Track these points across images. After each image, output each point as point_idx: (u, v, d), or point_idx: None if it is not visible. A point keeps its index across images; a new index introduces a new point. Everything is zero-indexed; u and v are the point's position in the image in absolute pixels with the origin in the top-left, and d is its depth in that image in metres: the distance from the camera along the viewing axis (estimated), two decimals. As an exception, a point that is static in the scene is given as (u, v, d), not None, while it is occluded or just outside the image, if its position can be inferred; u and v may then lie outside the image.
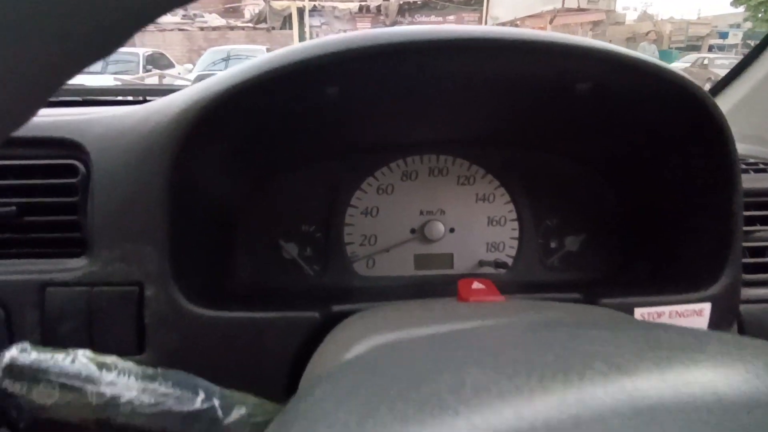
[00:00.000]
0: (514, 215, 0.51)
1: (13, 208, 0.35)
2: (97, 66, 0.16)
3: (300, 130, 0.44)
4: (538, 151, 0.51)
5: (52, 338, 0.34)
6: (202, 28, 9.48)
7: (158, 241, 0.33)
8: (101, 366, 0.23)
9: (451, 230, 0.51)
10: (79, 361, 0.23)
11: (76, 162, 0.36)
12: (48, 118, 0.37)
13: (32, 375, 0.22)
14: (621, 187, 0.51)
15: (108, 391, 0.23)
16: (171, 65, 6.70)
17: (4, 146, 0.37)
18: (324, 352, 0.29)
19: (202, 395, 0.24)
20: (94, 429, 0.23)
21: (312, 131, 0.45)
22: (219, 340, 0.34)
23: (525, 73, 0.38)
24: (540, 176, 0.51)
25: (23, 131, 0.14)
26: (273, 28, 10.08)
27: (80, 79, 0.79)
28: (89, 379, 0.23)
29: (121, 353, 0.25)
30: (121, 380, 0.23)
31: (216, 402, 0.24)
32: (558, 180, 0.51)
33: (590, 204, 0.52)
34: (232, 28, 9.44)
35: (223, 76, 0.34)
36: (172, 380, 0.24)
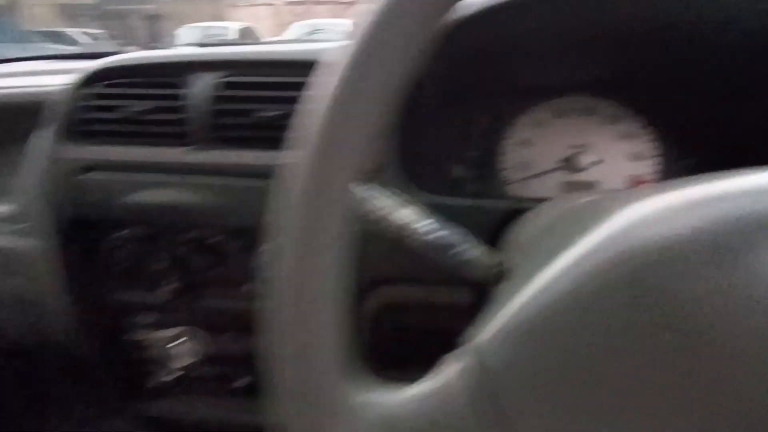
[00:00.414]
0: (657, 152, 0.57)
1: (279, 113, 0.47)
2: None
3: (474, 69, 0.53)
4: (686, 93, 0.56)
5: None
6: (288, 2, 9.79)
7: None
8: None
9: (597, 162, 0.58)
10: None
11: None
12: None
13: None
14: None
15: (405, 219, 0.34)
16: (259, 40, 7.02)
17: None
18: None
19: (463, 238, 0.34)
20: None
21: (484, 71, 0.54)
22: None
23: (686, 16, 0.43)
24: (685, 117, 0.56)
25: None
26: (356, 2, 10.20)
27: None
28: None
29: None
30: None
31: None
32: (702, 120, 0.56)
33: (730, 147, 0.56)
34: (317, 3, 9.68)
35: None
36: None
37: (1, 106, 0.65)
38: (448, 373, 0.23)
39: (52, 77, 0.67)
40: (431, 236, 0.34)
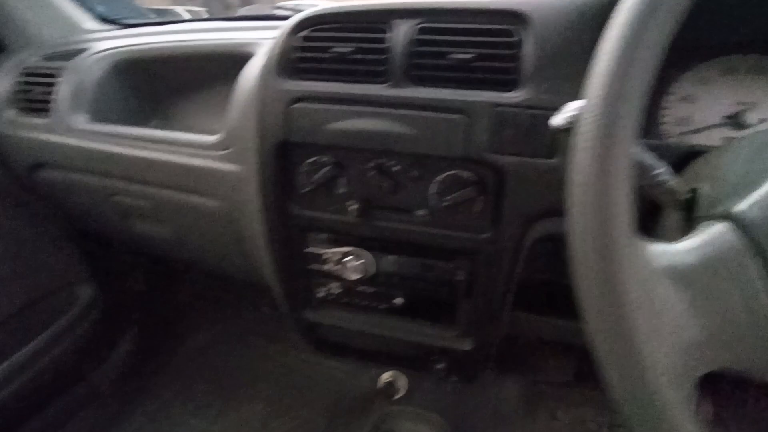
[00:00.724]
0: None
1: (472, 55, 0.53)
2: None
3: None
4: None
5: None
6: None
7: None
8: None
9: (766, 120, 0.58)
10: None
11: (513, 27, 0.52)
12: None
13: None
14: None
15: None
16: None
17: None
18: None
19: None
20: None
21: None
22: None
23: None
24: None
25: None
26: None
27: None
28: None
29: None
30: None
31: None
32: None
33: None
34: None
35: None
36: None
37: (217, 54, 0.77)
38: (712, 232, 0.28)
39: (251, 32, 0.79)
40: (638, 156, 0.38)
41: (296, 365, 1.27)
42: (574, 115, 0.35)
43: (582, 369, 1.10)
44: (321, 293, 0.70)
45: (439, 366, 0.70)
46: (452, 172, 0.57)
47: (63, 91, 0.81)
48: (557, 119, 0.36)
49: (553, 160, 0.51)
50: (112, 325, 1.16)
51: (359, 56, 0.57)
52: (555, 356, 1.10)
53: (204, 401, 1.20)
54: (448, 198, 0.57)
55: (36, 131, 0.83)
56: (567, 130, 0.35)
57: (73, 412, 1.12)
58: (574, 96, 0.35)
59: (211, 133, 0.72)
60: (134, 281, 1.22)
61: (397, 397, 0.90)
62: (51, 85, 0.83)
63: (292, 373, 1.26)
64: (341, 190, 0.62)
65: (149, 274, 1.25)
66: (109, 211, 0.85)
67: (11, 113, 0.85)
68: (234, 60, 0.71)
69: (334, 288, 0.69)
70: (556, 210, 0.53)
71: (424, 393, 0.95)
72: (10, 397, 0.92)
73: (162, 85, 0.89)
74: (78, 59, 0.84)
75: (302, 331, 0.75)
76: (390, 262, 0.64)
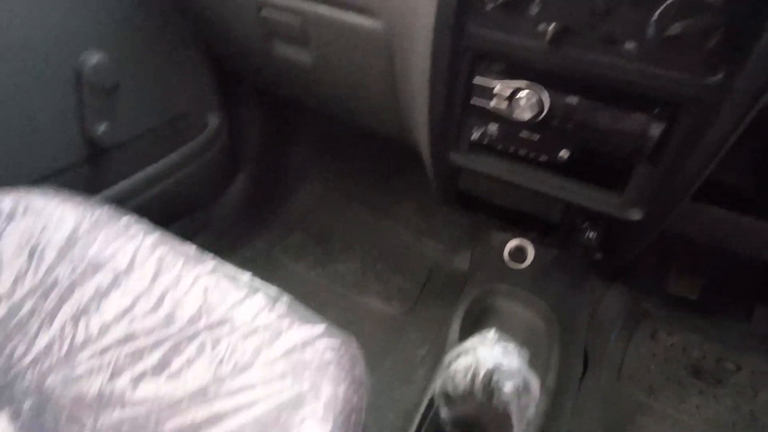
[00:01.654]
0: None
1: None
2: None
3: None
4: None
5: None
6: None
7: None
8: None
9: None
10: None
11: None
12: None
13: None
14: None
15: None
16: None
17: None
18: None
19: None
20: None
21: None
22: None
23: None
24: None
25: None
26: None
27: None
28: None
29: None
30: None
31: None
32: None
33: None
34: None
35: None
36: None
37: None
38: None
39: None
40: None
41: (394, 237, 1.28)
42: None
43: (708, 292, 1.01)
44: (476, 135, 0.64)
45: (589, 235, 0.63)
46: (691, -8, 0.46)
47: None
48: None
49: None
50: (232, 160, 1.20)
51: None
52: (682, 273, 1.01)
53: (303, 251, 1.25)
54: (676, 26, 0.46)
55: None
56: None
57: (190, 236, 1.21)
58: None
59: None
60: (255, 122, 1.24)
61: (524, 265, 0.87)
62: None
63: (388, 244, 1.27)
64: (534, 11, 0.53)
65: (270, 118, 1.26)
66: (254, 26, 0.81)
67: None
68: None
69: (493, 130, 0.62)
70: None
71: (534, 278, 0.92)
72: (136, 208, 0.99)
73: None
74: None
75: (441, 178, 0.71)
76: (569, 105, 0.56)
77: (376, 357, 1.00)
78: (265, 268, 1.19)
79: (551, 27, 0.51)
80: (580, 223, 0.64)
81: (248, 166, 1.28)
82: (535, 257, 0.86)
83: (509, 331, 0.94)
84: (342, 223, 1.33)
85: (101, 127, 0.86)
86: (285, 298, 0.55)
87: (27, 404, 0.51)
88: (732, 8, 0.45)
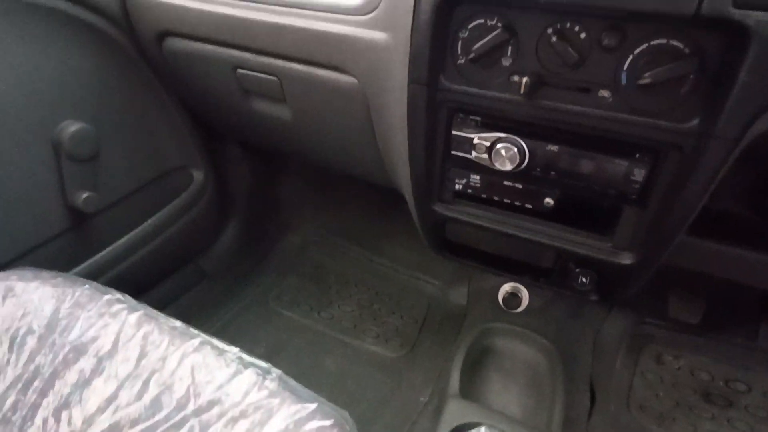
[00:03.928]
0: None
1: None
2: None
3: None
4: None
5: None
6: None
7: None
8: None
9: None
10: None
11: None
12: None
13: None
14: None
15: None
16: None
17: None
18: None
19: None
20: None
21: None
22: None
23: None
24: None
25: None
26: None
27: None
28: None
29: None
30: None
31: None
32: None
33: None
34: None
35: None
36: None
37: None
38: None
39: None
40: None
41: (389, 275, 1.27)
42: None
43: (710, 315, 0.99)
44: (458, 185, 0.63)
45: (583, 280, 0.62)
46: (660, 41, 0.45)
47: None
48: None
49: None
50: (220, 211, 1.19)
51: None
52: (683, 297, 0.99)
53: (298, 296, 1.23)
54: (648, 75, 0.46)
55: (164, -5, 0.79)
56: None
57: (182, 291, 1.19)
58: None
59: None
60: (240, 172, 1.23)
61: (519, 310, 0.85)
62: (179, -56, 0.77)
63: (384, 283, 1.25)
64: (506, 63, 0.53)
65: (255, 166, 1.26)
66: (231, 86, 0.81)
67: (140, -23, 0.82)
68: None
69: (475, 179, 0.62)
70: None
71: (531, 314, 0.90)
72: (128, 270, 0.97)
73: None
74: None
75: (427, 228, 0.70)
76: (550, 153, 0.56)
77: (376, 406, 0.97)
78: (261, 317, 1.17)
79: (525, 79, 0.51)
80: (572, 267, 0.63)
81: (237, 214, 1.27)
82: (529, 301, 0.85)
83: (510, 371, 0.93)
84: (336, 263, 1.32)
85: (83, 195, 0.85)
86: (275, 373, 0.53)
87: None
88: (702, 55, 0.44)
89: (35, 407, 0.54)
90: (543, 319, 0.92)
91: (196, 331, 0.59)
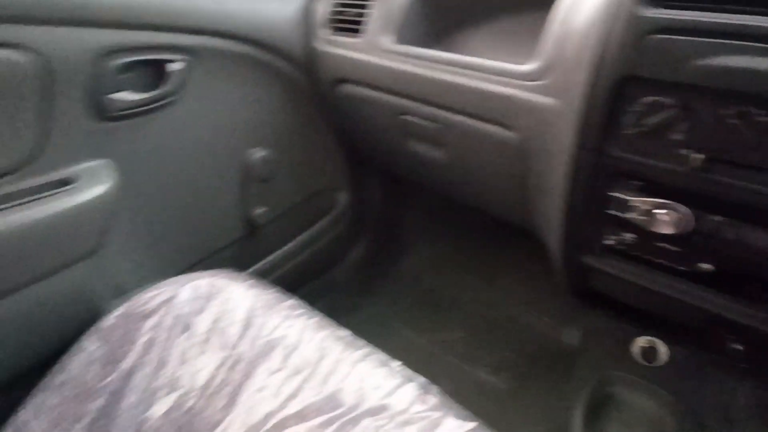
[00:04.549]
0: None
1: None
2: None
3: None
4: None
5: None
6: None
7: None
8: None
9: None
10: None
11: None
12: None
13: None
14: None
15: None
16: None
17: None
18: None
19: None
20: None
21: None
22: None
23: None
24: None
25: None
26: None
27: None
28: None
29: None
30: None
31: None
32: None
33: None
34: None
35: None
36: None
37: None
38: None
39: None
40: None
41: (499, 307, 1.31)
42: None
43: None
44: (610, 241, 0.68)
45: (735, 346, 0.63)
46: None
47: (375, 13, 0.89)
48: None
49: None
50: (354, 230, 1.33)
51: None
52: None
53: (413, 316, 1.32)
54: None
55: (346, 49, 0.93)
56: None
57: (314, 300, 1.33)
58: None
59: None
60: (375, 195, 1.36)
61: (655, 364, 0.86)
62: (364, 7, 0.91)
63: (494, 314, 1.30)
64: (677, 137, 0.57)
65: (387, 191, 1.38)
66: (395, 129, 0.93)
67: (327, 32, 0.97)
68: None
69: (629, 237, 0.66)
70: None
71: (662, 370, 0.89)
72: (280, 276, 1.12)
73: (452, 12, 0.91)
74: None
75: (572, 275, 0.75)
76: (715, 223, 0.58)
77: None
78: (380, 332, 1.27)
79: (699, 155, 0.55)
80: (723, 332, 0.64)
81: (368, 232, 1.39)
82: (669, 357, 0.85)
83: (632, 425, 0.92)
84: (449, 288, 1.39)
85: (258, 209, 1.02)
86: (435, 389, 0.61)
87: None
88: None
89: (239, 385, 0.67)
90: (676, 377, 0.91)
91: (362, 342, 0.69)
